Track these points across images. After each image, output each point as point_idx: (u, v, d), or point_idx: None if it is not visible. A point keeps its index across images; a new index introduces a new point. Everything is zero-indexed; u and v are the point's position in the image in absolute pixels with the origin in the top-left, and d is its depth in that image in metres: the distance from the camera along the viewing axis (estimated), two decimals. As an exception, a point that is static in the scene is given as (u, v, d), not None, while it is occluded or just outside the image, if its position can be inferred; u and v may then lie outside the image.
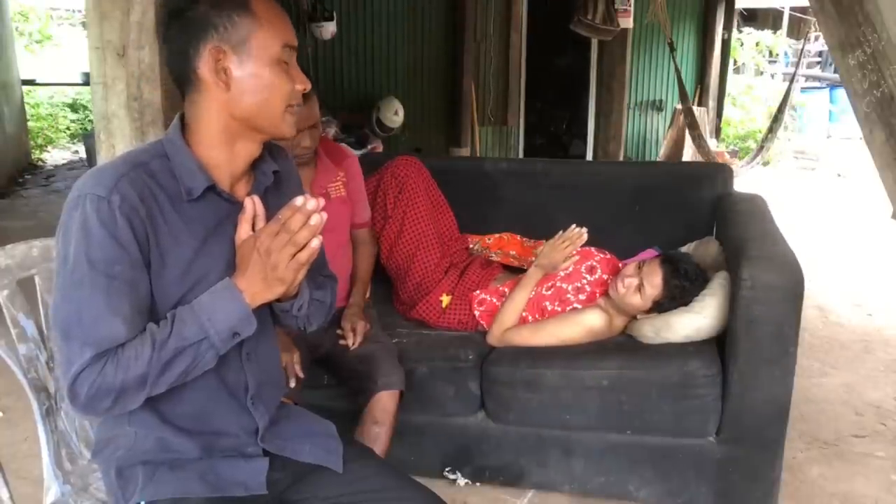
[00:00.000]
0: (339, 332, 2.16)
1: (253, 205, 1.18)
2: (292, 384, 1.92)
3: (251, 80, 1.16)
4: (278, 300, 1.20)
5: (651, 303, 2.20)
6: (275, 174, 1.29)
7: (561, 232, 2.32)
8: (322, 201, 1.09)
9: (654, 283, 2.18)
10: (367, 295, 2.49)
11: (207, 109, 1.18)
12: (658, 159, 7.70)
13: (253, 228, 1.18)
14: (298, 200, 1.07)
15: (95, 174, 1.13)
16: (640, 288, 2.19)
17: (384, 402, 1.99)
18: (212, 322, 1.11)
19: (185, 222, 1.17)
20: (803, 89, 9.77)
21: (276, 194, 1.28)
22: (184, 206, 1.17)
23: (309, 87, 1.23)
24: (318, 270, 1.40)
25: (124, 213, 1.10)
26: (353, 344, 2.11)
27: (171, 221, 1.16)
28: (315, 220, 1.07)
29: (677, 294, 2.19)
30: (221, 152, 1.20)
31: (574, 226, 2.32)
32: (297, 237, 1.08)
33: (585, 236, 2.29)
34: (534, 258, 2.63)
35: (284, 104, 1.19)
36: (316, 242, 1.09)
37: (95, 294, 1.09)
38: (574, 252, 2.31)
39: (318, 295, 1.33)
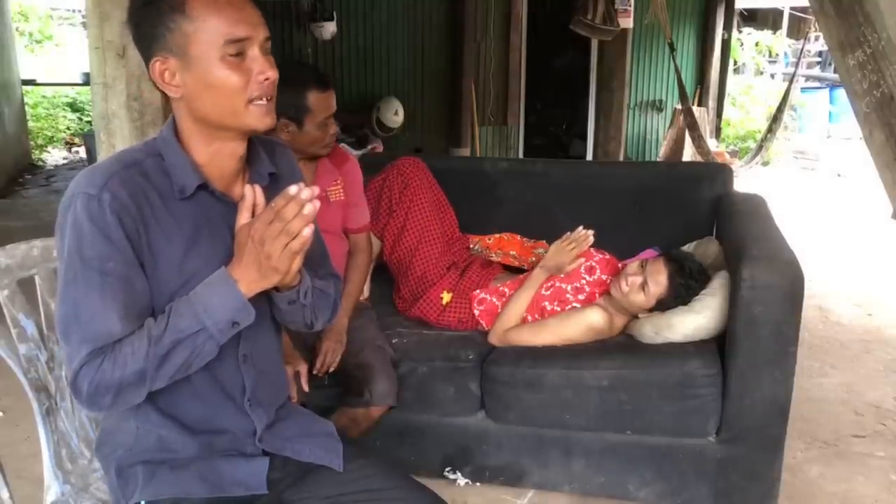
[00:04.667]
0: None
1: (253, 193, 1.17)
2: (294, 399, 1.89)
3: (200, 82, 1.13)
4: (276, 289, 1.20)
5: (654, 301, 2.20)
6: (271, 176, 1.28)
7: (568, 233, 2.32)
8: (317, 190, 1.08)
9: (659, 280, 2.18)
10: (367, 295, 2.50)
11: (177, 112, 1.19)
12: (658, 159, 7.70)
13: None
14: (293, 189, 1.07)
15: (88, 173, 1.14)
16: (643, 286, 2.19)
17: (372, 413, 2.05)
18: (207, 313, 1.11)
19: (177, 221, 1.17)
20: (803, 89, 9.76)
21: (273, 194, 1.27)
22: (176, 204, 1.17)
23: (273, 75, 1.15)
24: (320, 266, 1.39)
25: (114, 210, 1.10)
26: (318, 369, 2.07)
27: (163, 220, 1.16)
28: (308, 209, 1.06)
29: (682, 292, 2.19)
30: (206, 151, 1.19)
31: (581, 227, 2.32)
32: (290, 226, 1.07)
33: (592, 238, 2.29)
34: (534, 258, 2.64)
35: (244, 100, 1.14)
36: (308, 231, 1.08)
37: (90, 291, 1.10)
38: (580, 254, 2.31)
39: (319, 284, 1.32)
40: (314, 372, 2.06)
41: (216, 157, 1.20)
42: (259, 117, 1.16)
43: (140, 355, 1.10)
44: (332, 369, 2.09)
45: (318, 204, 1.07)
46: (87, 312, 1.10)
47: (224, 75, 1.12)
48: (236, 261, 1.14)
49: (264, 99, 1.16)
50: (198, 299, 1.12)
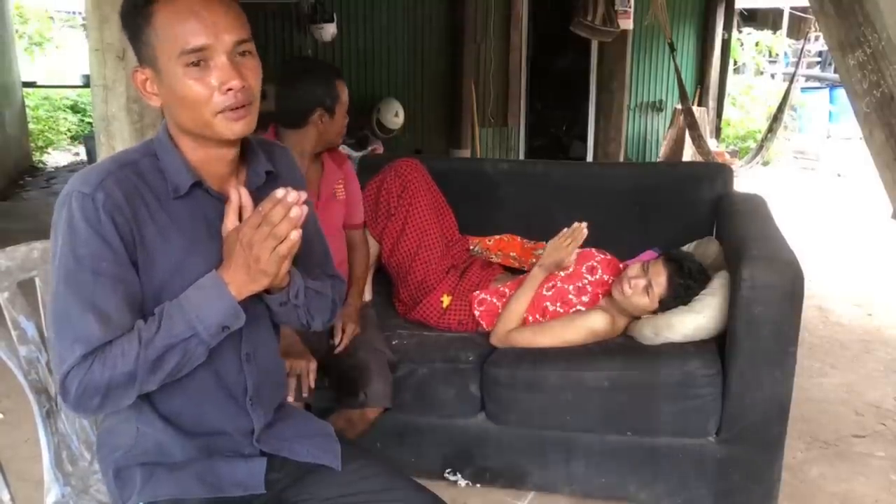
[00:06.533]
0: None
1: (238, 195, 1.17)
2: (305, 394, 1.91)
3: (170, 94, 1.14)
4: (268, 291, 1.20)
5: (658, 302, 2.20)
6: (268, 174, 1.28)
7: (564, 230, 2.32)
8: (304, 194, 1.07)
9: (660, 281, 2.18)
10: (369, 298, 2.50)
11: (166, 116, 1.20)
12: (658, 159, 7.70)
13: (240, 220, 1.17)
14: (279, 192, 1.06)
15: (83, 173, 1.14)
16: (647, 288, 2.19)
17: (367, 415, 2.05)
18: (200, 318, 1.11)
19: (174, 221, 1.17)
20: (803, 89, 9.75)
21: (269, 193, 1.27)
22: (173, 204, 1.17)
23: (237, 84, 1.11)
24: (321, 266, 1.38)
25: (108, 210, 1.10)
26: (338, 343, 2.13)
27: (159, 220, 1.16)
28: (295, 212, 1.06)
29: (681, 292, 2.19)
30: (195, 155, 1.19)
31: (576, 223, 2.32)
32: (277, 230, 1.06)
33: (586, 230, 2.29)
34: (534, 259, 2.64)
35: (212, 111, 1.12)
36: (295, 235, 1.07)
37: (82, 290, 1.10)
38: (577, 248, 2.30)
39: (314, 285, 1.31)
40: (336, 346, 2.12)
41: (207, 160, 1.20)
42: (228, 127, 1.14)
43: (130, 357, 1.09)
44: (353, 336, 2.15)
45: (305, 209, 1.07)
46: (78, 312, 1.10)
47: (187, 87, 1.11)
48: (226, 264, 1.14)
49: (234, 108, 1.12)
50: (190, 304, 1.12)
